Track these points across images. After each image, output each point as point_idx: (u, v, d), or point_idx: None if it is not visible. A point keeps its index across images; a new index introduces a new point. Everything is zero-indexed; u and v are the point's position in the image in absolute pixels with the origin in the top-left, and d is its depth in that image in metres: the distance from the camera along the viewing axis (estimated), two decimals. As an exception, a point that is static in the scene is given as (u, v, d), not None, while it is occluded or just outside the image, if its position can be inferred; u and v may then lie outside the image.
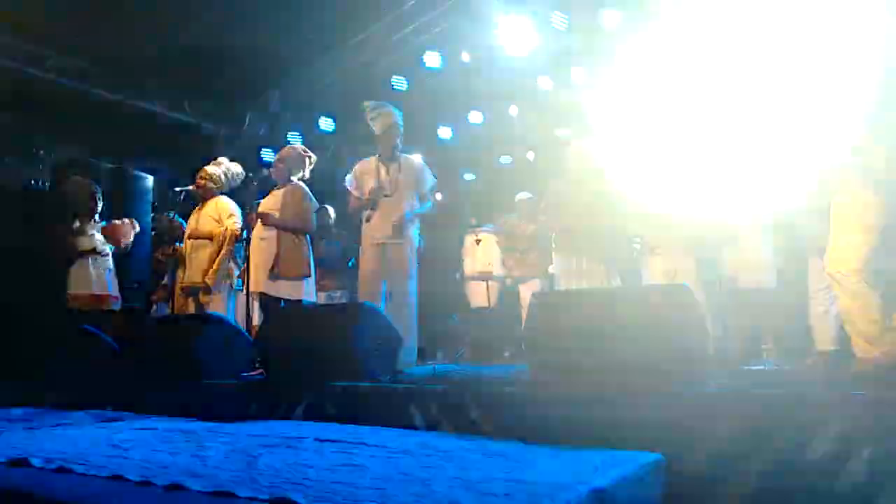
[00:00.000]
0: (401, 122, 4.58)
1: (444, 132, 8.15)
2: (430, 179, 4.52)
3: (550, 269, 6.37)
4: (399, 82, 7.10)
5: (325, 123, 7.96)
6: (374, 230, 4.47)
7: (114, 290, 5.46)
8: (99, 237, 5.44)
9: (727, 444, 2.03)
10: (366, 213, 4.50)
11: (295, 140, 7.73)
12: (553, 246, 4.87)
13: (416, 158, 4.59)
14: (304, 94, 7.97)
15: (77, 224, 5.42)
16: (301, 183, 4.82)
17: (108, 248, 5.50)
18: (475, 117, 7.97)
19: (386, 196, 4.48)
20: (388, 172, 4.56)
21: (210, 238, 5.03)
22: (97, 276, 5.34)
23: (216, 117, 8.37)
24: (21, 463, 1.84)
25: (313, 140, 7.38)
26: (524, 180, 7.07)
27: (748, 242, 4.28)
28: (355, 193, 4.69)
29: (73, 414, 3.22)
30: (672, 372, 2.36)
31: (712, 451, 2.03)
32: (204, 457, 1.94)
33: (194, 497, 1.48)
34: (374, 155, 4.74)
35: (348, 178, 4.76)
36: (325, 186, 6.46)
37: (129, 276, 6.17)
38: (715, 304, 3.89)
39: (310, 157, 4.92)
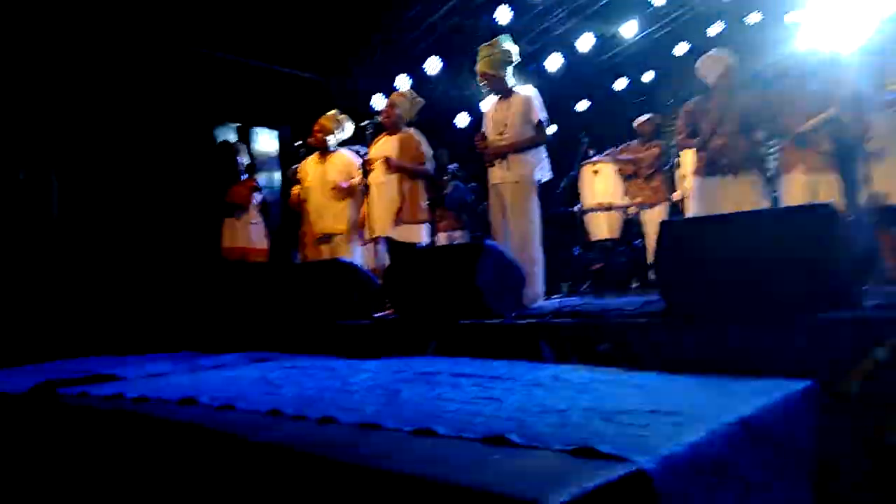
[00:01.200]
0: (507, 56, 4.40)
1: (554, 61, 7.86)
2: (541, 113, 4.35)
3: (675, 196, 6.11)
4: (503, 14, 6.90)
5: (432, 65, 7.90)
6: (493, 172, 4.43)
7: (260, 242, 5.95)
8: (247, 193, 5.91)
9: (884, 368, 1.88)
10: (487, 157, 4.44)
11: (403, 85, 7.77)
12: (681, 168, 4.62)
13: (527, 91, 4.42)
14: (410, 38, 7.94)
15: (227, 181, 5.93)
16: (413, 129, 4.87)
17: (255, 203, 5.96)
18: (585, 42, 7.62)
19: (500, 135, 4.38)
20: (500, 111, 4.44)
21: (332, 188, 5.23)
22: (246, 229, 5.83)
23: (325, 69, 8.54)
24: (190, 402, 2.04)
25: (421, 83, 7.39)
26: (641, 103, 6.75)
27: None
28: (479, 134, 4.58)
29: (228, 356, 3.52)
30: (819, 296, 2.21)
31: (868, 376, 1.90)
32: (349, 392, 2.06)
33: (344, 428, 1.58)
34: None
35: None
36: (437, 128, 6.48)
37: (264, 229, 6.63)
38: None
39: (419, 102, 4.94)
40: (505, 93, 4.44)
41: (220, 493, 1.56)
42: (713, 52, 4.61)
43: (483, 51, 4.43)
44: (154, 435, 1.81)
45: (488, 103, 4.63)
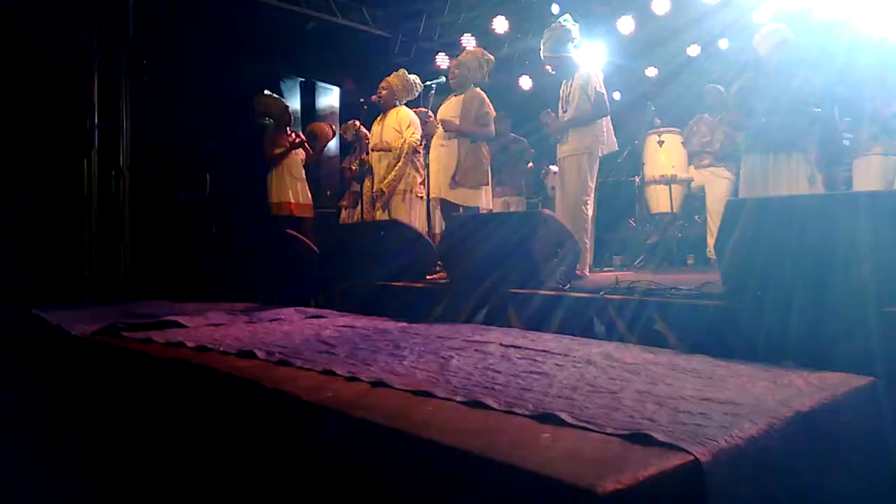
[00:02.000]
0: (568, 36, 4.37)
1: (625, 24, 7.57)
2: (595, 84, 4.30)
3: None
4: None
5: (500, 24, 7.72)
6: (559, 147, 4.48)
7: (306, 198, 5.97)
8: (289, 145, 5.89)
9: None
10: (551, 134, 4.53)
11: (469, 43, 7.64)
12: (743, 146, 4.44)
13: (587, 68, 4.44)
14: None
15: (270, 135, 5.94)
16: (479, 90, 4.80)
17: (301, 158, 5.99)
18: (660, 5, 7.30)
19: (565, 112, 4.41)
20: (563, 90, 4.48)
21: (390, 149, 5.22)
22: (293, 185, 5.86)
23: (392, 26, 8.46)
24: (248, 355, 2.11)
25: (489, 42, 7.24)
26: (715, 73, 6.45)
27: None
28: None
29: (284, 310, 3.61)
30: (887, 289, 2.10)
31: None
32: (400, 356, 2.09)
33: (396, 394, 1.61)
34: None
35: None
36: (502, 91, 6.37)
37: (320, 185, 6.69)
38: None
39: (489, 61, 4.85)
40: (569, 71, 4.45)
41: (271, 448, 1.61)
42: (770, 24, 4.39)
43: (545, 34, 4.47)
44: (213, 385, 1.88)
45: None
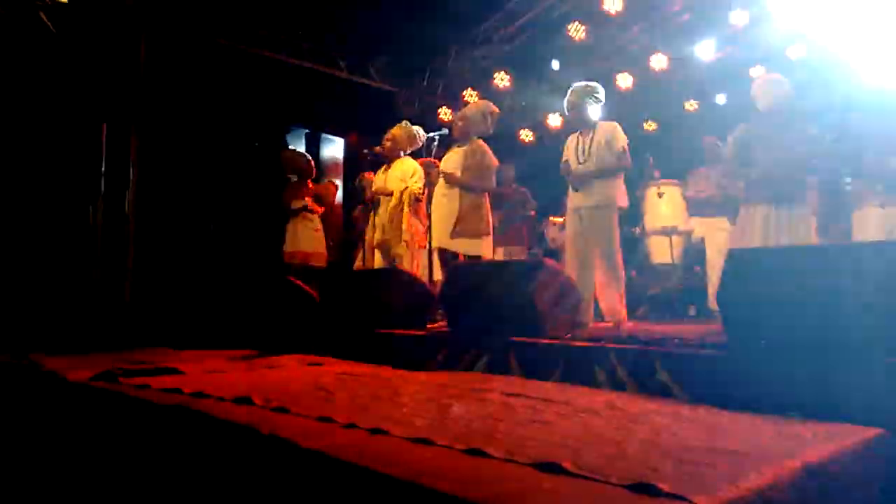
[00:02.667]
0: (594, 91, 4.53)
1: (624, 79, 7.74)
2: (621, 139, 4.40)
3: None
4: (576, 30, 6.85)
5: (501, 79, 7.90)
6: (575, 196, 4.52)
7: (321, 247, 6.08)
8: (309, 199, 6.06)
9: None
10: (571, 184, 4.56)
11: (471, 97, 7.80)
12: (742, 196, 4.46)
13: (610, 125, 4.54)
14: (481, 51, 7.97)
15: (293, 187, 6.09)
16: (481, 141, 4.87)
17: (315, 209, 6.11)
18: (658, 61, 7.48)
19: (580, 164, 4.46)
20: (583, 141, 4.55)
21: (391, 193, 5.27)
22: (307, 234, 5.98)
23: (397, 79, 8.66)
24: (245, 401, 2.08)
25: (490, 96, 7.39)
26: (714, 127, 6.55)
27: None
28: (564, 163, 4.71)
29: (283, 357, 3.58)
30: (894, 342, 2.08)
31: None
32: (400, 404, 2.06)
33: (395, 441, 1.57)
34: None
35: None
36: (503, 143, 6.47)
37: (327, 234, 6.78)
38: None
39: (492, 114, 4.93)
40: (588, 124, 4.54)
41: (269, 496, 1.58)
42: (768, 76, 4.47)
43: (574, 88, 4.60)
44: (208, 431, 1.85)
45: (572, 138, 4.72)
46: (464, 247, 4.70)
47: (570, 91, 4.60)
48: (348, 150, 8.12)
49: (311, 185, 6.23)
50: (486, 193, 4.82)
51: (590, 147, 4.45)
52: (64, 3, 5.44)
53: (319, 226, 6.19)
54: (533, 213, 6.98)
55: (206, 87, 6.59)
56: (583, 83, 4.60)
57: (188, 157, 6.52)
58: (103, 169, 5.88)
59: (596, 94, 4.55)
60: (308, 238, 6.06)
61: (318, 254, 6.12)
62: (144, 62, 6.17)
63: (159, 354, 3.88)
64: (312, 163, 6.41)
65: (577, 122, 4.61)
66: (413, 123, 5.57)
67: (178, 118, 6.53)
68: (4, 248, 5.54)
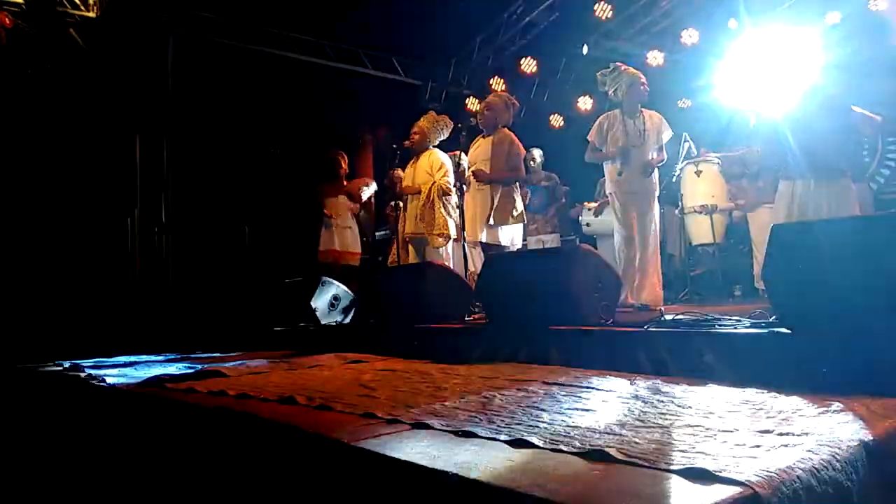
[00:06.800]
0: (634, 79, 4.57)
1: (655, 57, 7.58)
2: (668, 131, 4.66)
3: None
4: (602, 9, 6.73)
5: (528, 65, 7.82)
6: (623, 181, 4.59)
7: (354, 246, 6.14)
8: (343, 199, 6.12)
9: None
10: (617, 166, 4.60)
11: (498, 86, 7.75)
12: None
13: (657, 115, 4.70)
14: (505, 40, 7.89)
15: (327, 186, 6.17)
16: (508, 130, 4.84)
17: (350, 208, 6.18)
18: (689, 36, 7.30)
19: (634, 147, 4.55)
20: (634, 124, 4.62)
21: (420, 191, 5.26)
22: (340, 233, 6.04)
23: (422, 73, 8.64)
24: (289, 401, 2.10)
25: (518, 83, 7.33)
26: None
27: None
28: (596, 144, 4.73)
29: (323, 356, 3.61)
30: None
31: None
32: (442, 398, 2.05)
33: (439, 434, 1.57)
34: (616, 109, 4.77)
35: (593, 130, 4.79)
36: (530, 130, 6.41)
37: (362, 232, 6.84)
38: None
39: (514, 104, 4.92)
40: (637, 111, 4.65)
41: (315, 494, 1.58)
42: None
43: (611, 70, 4.67)
44: (255, 433, 1.87)
45: (615, 117, 4.77)
46: (498, 237, 4.68)
47: (618, 77, 4.64)
48: (377, 145, 8.14)
49: (345, 184, 6.28)
50: (517, 182, 4.79)
51: (642, 131, 4.58)
52: (93, 18, 5.55)
53: (353, 224, 6.24)
54: (563, 199, 6.90)
55: (233, 92, 6.68)
56: (621, 66, 4.66)
57: (219, 162, 6.62)
58: (139, 180, 6.01)
59: (634, 82, 4.61)
60: (342, 237, 6.11)
61: (351, 252, 6.17)
62: (172, 71, 6.27)
63: (202, 359, 3.96)
64: (346, 160, 6.46)
65: (632, 103, 4.64)
66: (439, 114, 5.55)
67: (208, 125, 6.63)
68: (52, 261, 5.70)
